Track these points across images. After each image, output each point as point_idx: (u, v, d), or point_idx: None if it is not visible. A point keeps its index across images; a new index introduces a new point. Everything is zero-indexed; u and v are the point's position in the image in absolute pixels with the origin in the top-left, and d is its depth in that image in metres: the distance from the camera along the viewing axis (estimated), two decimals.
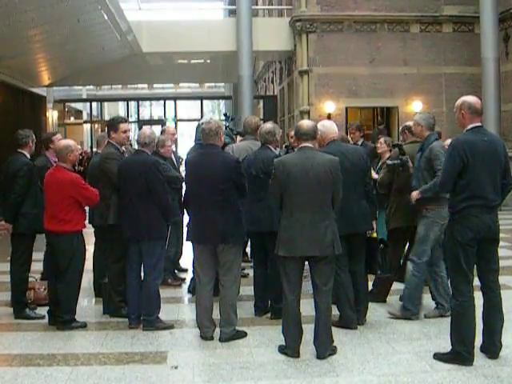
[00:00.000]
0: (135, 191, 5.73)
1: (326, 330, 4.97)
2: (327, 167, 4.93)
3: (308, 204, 4.89)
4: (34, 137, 6.47)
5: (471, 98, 4.85)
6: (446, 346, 4.86)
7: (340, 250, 4.99)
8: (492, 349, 4.80)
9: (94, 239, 6.93)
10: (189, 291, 7.06)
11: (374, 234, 5.95)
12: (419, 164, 5.91)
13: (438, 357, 4.84)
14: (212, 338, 5.41)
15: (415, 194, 5.81)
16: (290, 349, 4.97)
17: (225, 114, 8.19)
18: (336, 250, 4.92)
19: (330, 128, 5.76)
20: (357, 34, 18.13)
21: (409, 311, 5.90)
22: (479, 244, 4.70)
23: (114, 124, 6.27)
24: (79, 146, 6.38)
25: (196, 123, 8.32)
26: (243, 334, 5.48)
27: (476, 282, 4.84)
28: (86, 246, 6.00)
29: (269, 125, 6.27)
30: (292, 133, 7.67)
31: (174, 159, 7.71)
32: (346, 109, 18.29)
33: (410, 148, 6.26)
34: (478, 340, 4.80)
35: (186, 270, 8.13)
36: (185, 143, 23.25)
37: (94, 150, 7.76)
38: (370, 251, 5.89)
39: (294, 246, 4.89)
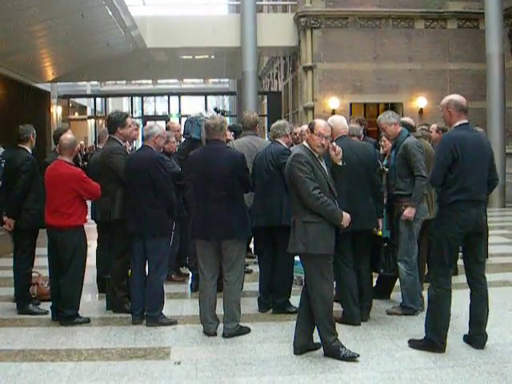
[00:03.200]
0: (140, 187, 5.71)
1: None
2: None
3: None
4: (34, 131, 6.46)
5: (457, 97, 5.07)
6: (448, 342, 4.87)
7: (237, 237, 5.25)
8: (480, 339, 4.93)
9: (96, 235, 6.93)
10: (191, 289, 7.05)
11: (380, 232, 5.92)
12: (394, 162, 5.94)
13: (412, 343, 4.99)
14: (215, 334, 5.40)
15: (408, 213, 5.79)
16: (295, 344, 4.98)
17: (215, 109, 8.11)
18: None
19: (339, 123, 5.74)
20: (361, 29, 18.10)
21: (410, 309, 5.91)
22: (466, 238, 4.83)
23: (120, 120, 6.24)
24: (82, 142, 6.39)
25: None
26: (246, 330, 5.47)
27: (463, 279, 5.07)
28: (89, 242, 6.01)
29: (279, 121, 6.43)
30: (295, 129, 7.60)
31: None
32: (351, 105, 18.30)
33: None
34: (459, 331, 5.06)
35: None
36: None
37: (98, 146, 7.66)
38: (374, 249, 5.87)
39: None
